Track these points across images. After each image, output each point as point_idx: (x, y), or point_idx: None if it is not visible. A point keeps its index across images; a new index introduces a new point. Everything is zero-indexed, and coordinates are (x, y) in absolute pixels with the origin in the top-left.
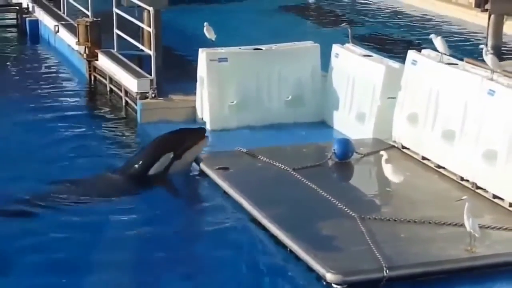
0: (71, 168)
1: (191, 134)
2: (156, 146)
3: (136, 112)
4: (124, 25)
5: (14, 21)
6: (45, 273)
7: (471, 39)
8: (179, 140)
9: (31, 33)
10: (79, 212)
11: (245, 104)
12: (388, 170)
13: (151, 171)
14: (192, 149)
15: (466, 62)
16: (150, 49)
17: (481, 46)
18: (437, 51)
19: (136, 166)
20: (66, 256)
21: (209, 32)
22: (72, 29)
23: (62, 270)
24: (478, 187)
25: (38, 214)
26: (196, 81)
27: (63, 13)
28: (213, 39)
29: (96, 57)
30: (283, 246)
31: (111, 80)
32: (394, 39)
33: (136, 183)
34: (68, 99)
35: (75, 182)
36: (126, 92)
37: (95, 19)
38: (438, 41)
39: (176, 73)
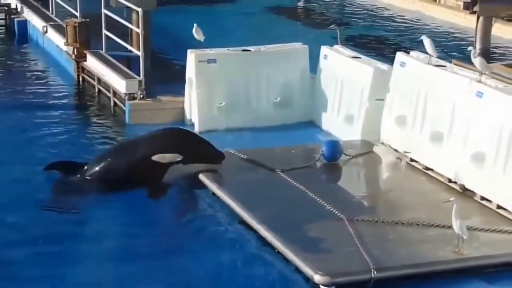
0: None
1: (210, 151)
2: (175, 138)
3: (124, 113)
4: (112, 26)
5: (3, 22)
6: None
7: (460, 41)
8: (197, 149)
9: (19, 34)
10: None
11: (233, 106)
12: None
13: (155, 158)
14: (200, 164)
15: (455, 64)
16: (139, 50)
17: (469, 48)
18: (426, 52)
19: (146, 145)
20: (52, 258)
21: (197, 33)
22: (60, 30)
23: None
24: (466, 189)
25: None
26: (184, 82)
27: (52, 13)
28: (202, 40)
29: (84, 58)
30: (272, 247)
31: (99, 81)
32: (383, 41)
33: (134, 164)
34: (56, 99)
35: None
36: (115, 93)
37: (83, 19)
38: (426, 43)
39: (164, 74)
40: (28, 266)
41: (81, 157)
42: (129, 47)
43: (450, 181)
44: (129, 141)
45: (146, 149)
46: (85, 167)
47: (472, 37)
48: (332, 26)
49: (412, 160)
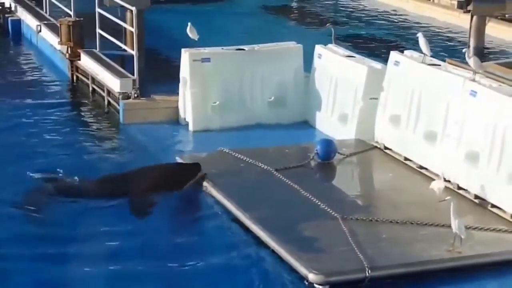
0: (51, 168)
1: (188, 171)
2: (159, 179)
3: (118, 112)
4: (106, 25)
5: None
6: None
7: (454, 40)
8: (179, 179)
9: (13, 33)
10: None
11: (228, 105)
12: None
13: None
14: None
15: (448, 63)
16: (133, 49)
17: (464, 50)
18: (420, 51)
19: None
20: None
21: (192, 32)
22: (54, 29)
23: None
24: (460, 188)
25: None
26: (179, 81)
27: (46, 12)
28: (196, 39)
29: (78, 57)
30: (266, 247)
31: (93, 80)
32: (377, 40)
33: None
34: (50, 98)
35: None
36: (109, 92)
37: (77, 18)
38: (421, 42)
39: (159, 73)
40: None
41: (74, 156)
42: (123, 46)
43: (444, 180)
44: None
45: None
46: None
47: (466, 36)
48: (327, 24)
49: (406, 159)
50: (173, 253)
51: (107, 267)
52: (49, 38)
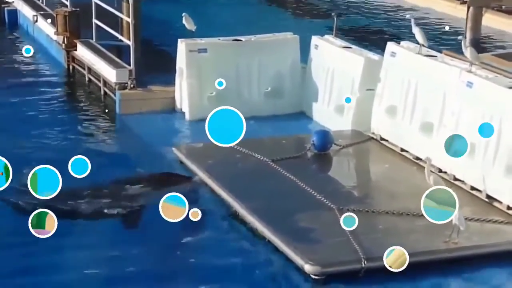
0: (48, 160)
1: None
2: None
3: (115, 103)
4: (103, 15)
5: None
6: None
7: (450, 31)
8: None
9: (10, 23)
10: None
11: (224, 95)
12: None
13: None
14: None
15: (445, 54)
16: (129, 40)
17: (459, 37)
18: (417, 42)
19: None
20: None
21: (188, 23)
22: (51, 19)
23: None
24: (456, 179)
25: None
26: (175, 71)
27: (42, 3)
28: (193, 30)
29: (75, 47)
30: (262, 237)
31: (89, 70)
32: (374, 31)
33: None
34: (46, 89)
35: None
36: (105, 83)
37: (74, 9)
38: (417, 32)
39: (155, 63)
40: None
41: (70, 147)
42: (120, 37)
43: (440, 171)
44: None
45: None
46: None
47: (463, 27)
48: (333, 14)
49: (402, 150)
50: (167, 242)
51: (105, 267)
52: (46, 28)
